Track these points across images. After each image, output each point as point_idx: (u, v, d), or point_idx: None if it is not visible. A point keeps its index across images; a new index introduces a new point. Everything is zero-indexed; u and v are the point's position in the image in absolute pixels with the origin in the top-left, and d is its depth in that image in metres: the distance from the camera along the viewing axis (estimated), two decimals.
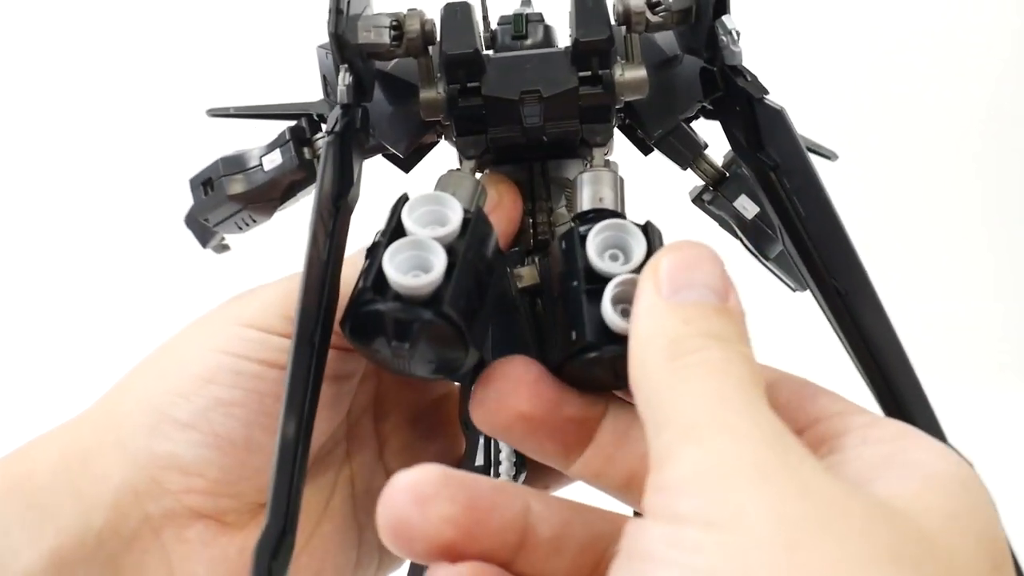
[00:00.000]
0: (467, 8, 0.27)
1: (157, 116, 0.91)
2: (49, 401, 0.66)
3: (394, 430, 0.35)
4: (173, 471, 0.29)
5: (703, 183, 0.33)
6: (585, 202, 0.28)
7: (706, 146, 0.33)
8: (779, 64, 0.89)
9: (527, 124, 0.27)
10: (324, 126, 0.33)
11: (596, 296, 0.24)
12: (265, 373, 0.29)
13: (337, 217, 0.26)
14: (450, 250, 0.24)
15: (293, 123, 0.33)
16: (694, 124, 0.33)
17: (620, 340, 0.23)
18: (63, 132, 0.95)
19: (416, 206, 0.25)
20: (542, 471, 0.34)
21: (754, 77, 0.28)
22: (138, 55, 0.94)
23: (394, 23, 0.28)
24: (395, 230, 0.25)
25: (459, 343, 0.24)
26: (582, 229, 0.25)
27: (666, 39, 0.31)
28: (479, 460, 0.31)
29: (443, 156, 0.34)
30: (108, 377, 0.31)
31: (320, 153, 0.32)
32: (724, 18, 0.28)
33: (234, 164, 0.33)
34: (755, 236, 0.33)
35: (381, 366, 0.26)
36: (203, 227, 0.34)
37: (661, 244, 0.25)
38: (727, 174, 0.32)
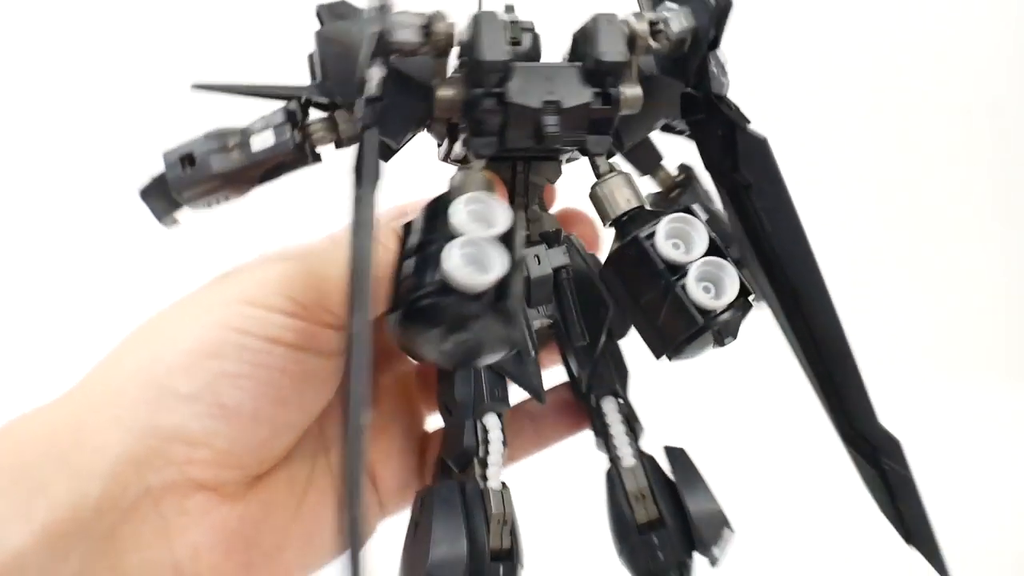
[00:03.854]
0: (497, 18, 0.29)
1: (128, 92, 0.84)
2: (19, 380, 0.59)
3: None
4: (178, 442, 0.29)
5: (659, 190, 0.37)
6: (617, 208, 0.31)
7: (662, 157, 0.37)
8: (779, 64, 0.93)
9: (547, 132, 0.29)
10: (313, 111, 0.33)
11: (683, 285, 0.29)
12: (270, 349, 0.30)
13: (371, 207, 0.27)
14: None
15: (281, 104, 0.32)
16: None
17: (711, 313, 0.29)
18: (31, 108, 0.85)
19: (466, 205, 0.27)
20: (521, 445, 0.37)
21: (737, 107, 0.32)
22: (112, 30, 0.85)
23: (425, 23, 0.29)
24: (444, 226, 0.26)
25: (504, 335, 0.26)
26: (643, 232, 0.29)
27: (646, 60, 0.34)
28: (467, 441, 0.33)
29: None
30: (77, 355, 0.30)
31: (314, 137, 0.32)
32: (716, 51, 0.31)
33: (220, 140, 0.32)
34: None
35: (411, 352, 0.28)
36: (167, 201, 0.33)
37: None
38: (680, 184, 0.36)
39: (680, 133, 0.38)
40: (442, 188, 0.32)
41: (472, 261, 0.26)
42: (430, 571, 0.31)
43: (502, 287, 0.26)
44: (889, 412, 0.30)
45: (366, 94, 0.28)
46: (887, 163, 1.01)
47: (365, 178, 0.26)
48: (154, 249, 0.77)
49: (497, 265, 0.25)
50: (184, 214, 0.35)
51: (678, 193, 0.36)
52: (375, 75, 0.28)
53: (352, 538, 0.22)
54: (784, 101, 0.94)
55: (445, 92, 0.30)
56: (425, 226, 0.27)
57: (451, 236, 0.26)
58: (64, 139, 0.88)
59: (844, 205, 1.01)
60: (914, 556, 0.31)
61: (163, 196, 0.33)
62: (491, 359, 0.28)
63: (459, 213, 0.26)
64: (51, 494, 0.27)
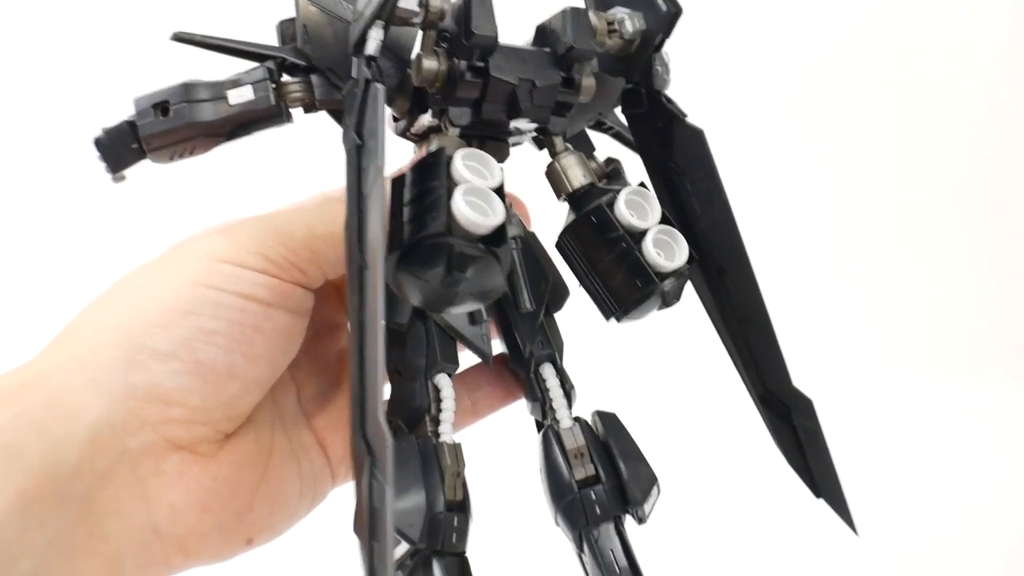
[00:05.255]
0: None
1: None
2: None
3: (307, 377, 0.37)
4: (154, 402, 0.29)
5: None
6: (574, 182, 0.35)
7: (594, 148, 0.41)
8: (780, 64, 0.95)
9: (521, 106, 0.32)
10: (286, 74, 0.34)
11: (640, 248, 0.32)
12: (245, 305, 0.30)
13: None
14: None
15: (257, 64, 0.33)
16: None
17: (664, 276, 0.32)
18: None
19: (465, 160, 0.29)
20: (459, 415, 0.39)
21: (675, 102, 0.36)
22: None
23: None
24: (445, 177, 0.29)
25: (498, 282, 0.29)
26: (605, 200, 0.32)
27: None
28: (419, 400, 0.35)
29: None
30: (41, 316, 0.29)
31: (290, 96, 0.33)
32: (662, 52, 0.36)
33: (198, 91, 0.32)
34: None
35: (403, 294, 0.29)
36: (127, 151, 0.33)
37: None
38: (608, 174, 0.40)
39: (608, 131, 0.42)
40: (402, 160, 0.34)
41: (475, 207, 0.28)
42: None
43: (499, 233, 0.28)
44: (873, 409, 0.34)
45: (366, 52, 0.29)
46: (872, 159, 1.03)
47: (371, 131, 0.28)
48: (120, 221, 0.72)
49: (497, 212, 0.28)
50: (135, 169, 0.34)
51: (606, 182, 0.40)
52: (375, 36, 0.30)
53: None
54: (765, 97, 0.96)
55: (430, 63, 0.32)
56: (420, 177, 0.29)
57: (454, 184, 0.28)
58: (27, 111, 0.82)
59: (829, 202, 1.02)
60: (822, 508, 0.36)
61: (121, 146, 0.33)
62: (470, 305, 0.30)
63: (460, 164, 0.29)
64: (25, 460, 0.26)
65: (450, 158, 0.29)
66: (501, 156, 0.38)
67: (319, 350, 0.37)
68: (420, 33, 0.32)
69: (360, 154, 0.27)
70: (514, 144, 0.38)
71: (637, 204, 0.33)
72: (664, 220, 0.34)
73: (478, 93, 0.32)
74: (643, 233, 0.33)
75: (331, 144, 0.33)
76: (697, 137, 0.35)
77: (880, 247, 1.04)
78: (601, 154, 0.40)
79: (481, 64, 0.32)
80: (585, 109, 0.37)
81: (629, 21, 0.35)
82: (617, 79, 0.37)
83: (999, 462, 0.85)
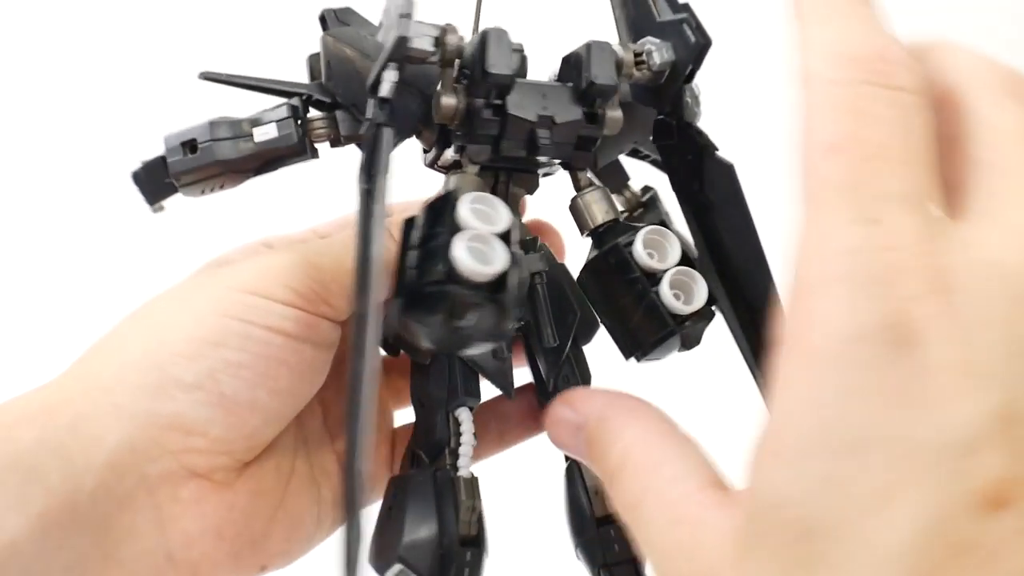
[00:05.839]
0: (505, 35, 0.31)
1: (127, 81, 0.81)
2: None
3: (333, 400, 0.37)
4: (175, 431, 0.29)
5: (623, 208, 0.40)
6: (596, 219, 0.34)
7: (629, 178, 0.40)
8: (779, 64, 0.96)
9: (540, 144, 0.32)
10: (313, 110, 0.34)
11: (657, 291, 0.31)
12: (271, 339, 0.31)
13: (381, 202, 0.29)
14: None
15: (284, 100, 0.34)
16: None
17: (679, 318, 0.31)
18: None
19: (471, 204, 0.29)
20: (486, 443, 0.39)
21: (706, 135, 0.35)
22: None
23: (439, 34, 0.31)
24: (450, 222, 0.28)
25: (503, 327, 0.28)
26: (623, 240, 0.31)
27: (623, 87, 0.37)
28: (439, 433, 0.35)
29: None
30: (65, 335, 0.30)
31: (315, 132, 0.34)
32: (692, 83, 0.35)
33: (224, 130, 0.33)
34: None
35: (409, 338, 0.29)
36: (160, 185, 0.34)
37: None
38: (643, 203, 0.39)
39: (645, 158, 0.41)
40: (430, 191, 0.34)
41: (476, 254, 0.28)
42: (403, 553, 0.32)
43: (501, 281, 0.28)
44: None
45: (380, 94, 0.30)
46: None
47: (379, 173, 0.28)
48: (144, 237, 0.76)
49: (499, 259, 0.28)
50: (173, 200, 0.36)
51: (641, 212, 0.39)
52: (389, 77, 0.30)
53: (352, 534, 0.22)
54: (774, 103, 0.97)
55: (448, 100, 0.32)
56: (429, 221, 0.29)
57: (457, 230, 0.28)
58: (60, 129, 0.85)
59: None
60: None
61: (156, 180, 0.34)
62: (479, 349, 0.30)
63: (465, 209, 0.28)
64: (47, 482, 0.27)
65: (455, 202, 0.29)
66: (531, 188, 0.38)
67: (345, 373, 0.37)
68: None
69: (366, 198, 0.28)
70: (545, 175, 0.38)
71: (657, 244, 0.33)
72: (684, 261, 0.33)
73: (496, 130, 0.32)
74: (660, 275, 0.32)
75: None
76: (727, 171, 0.34)
77: None
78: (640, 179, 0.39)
79: (499, 102, 0.31)
80: (618, 140, 0.37)
81: (657, 53, 0.34)
82: (649, 108, 0.36)
83: None
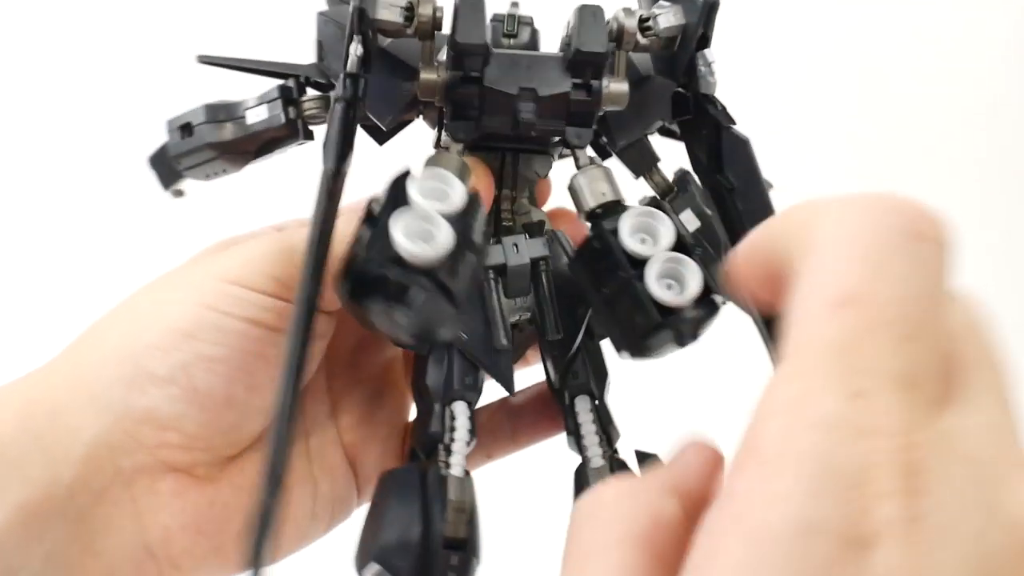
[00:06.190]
0: (481, 3, 0.29)
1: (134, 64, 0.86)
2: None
3: (345, 389, 0.36)
4: (149, 425, 0.29)
5: (653, 193, 0.36)
6: (590, 200, 0.31)
7: (659, 160, 0.36)
8: (779, 64, 0.93)
9: (522, 119, 0.29)
10: (310, 89, 0.34)
11: (641, 279, 0.28)
12: (248, 331, 0.29)
13: (336, 181, 0.28)
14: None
15: (281, 82, 0.34)
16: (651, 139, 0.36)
17: (671, 311, 0.28)
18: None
19: (421, 180, 0.27)
20: (487, 442, 0.37)
21: (724, 107, 0.31)
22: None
23: (408, 4, 0.29)
24: (399, 201, 0.27)
25: (448, 314, 0.26)
26: (607, 224, 0.29)
27: (642, 60, 0.34)
28: (434, 427, 0.33)
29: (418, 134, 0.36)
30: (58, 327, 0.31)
31: (307, 114, 0.33)
32: (705, 51, 0.31)
33: (217, 112, 0.33)
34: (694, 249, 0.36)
35: (364, 324, 0.28)
36: (170, 169, 0.35)
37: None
38: (676, 189, 0.36)
39: (679, 138, 0.38)
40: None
41: (419, 234, 0.26)
42: (379, 552, 0.30)
43: (450, 264, 0.26)
44: None
45: (347, 69, 0.28)
46: (875, 162, 0.99)
47: (330, 152, 0.27)
48: (147, 228, 0.77)
49: (440, 240, 0.25)
50: (187, 185, 0.36)
51: (673, 197, 0.36)
52: (354, 51, 0.28)
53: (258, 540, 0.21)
54: (773, 101, 0.93)
55: (428, 75, 0.30)
56: (383, 199, 0.28)
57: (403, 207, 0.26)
58: (60, 126, 0.88)
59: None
60: None
61: (165, 164, 0.35)
62: (443, 336, 0.28)
63: (414, 187, 0.27)
64: (26, 473, 0.27)
65: (405, 178, 0.27)
66: (543, 169, 0.35)
67: (361, 361, 0.36)
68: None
69: (326, 179, 0.26)
70: (561, 157, 0.35)
71: (648, 227, 0.29)
72: (678, 247, 0.29)
73: (476, 105, 0.30)
74: (648, 262, 0.29)
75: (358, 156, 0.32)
76: (743, 147, 0.30)
77: None
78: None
79: (476, 74, 0.29)
80: (635, 117, 0.34)
81: (663, 16, 0.30)
82: (668, 81, 0.33)
83: None
